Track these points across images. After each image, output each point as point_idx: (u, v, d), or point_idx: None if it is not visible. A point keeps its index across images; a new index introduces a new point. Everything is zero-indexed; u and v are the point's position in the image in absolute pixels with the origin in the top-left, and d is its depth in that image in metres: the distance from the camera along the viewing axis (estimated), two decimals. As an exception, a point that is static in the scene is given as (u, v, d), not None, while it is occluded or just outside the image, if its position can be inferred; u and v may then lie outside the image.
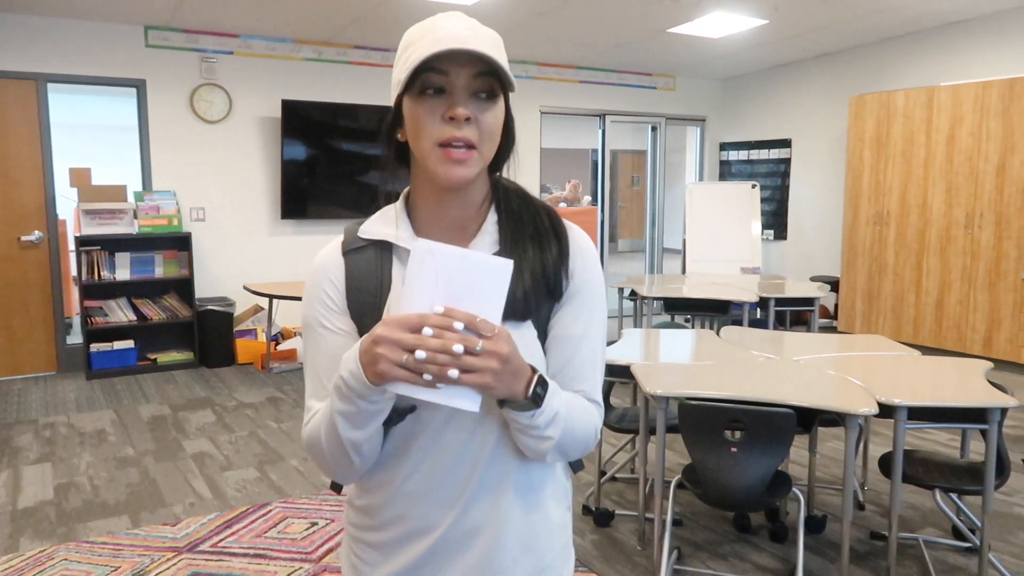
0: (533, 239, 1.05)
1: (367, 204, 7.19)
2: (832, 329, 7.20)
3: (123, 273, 5.88)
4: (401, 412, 0.98)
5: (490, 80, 0.97)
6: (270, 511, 3.35)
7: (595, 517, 3.23)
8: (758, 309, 5.03)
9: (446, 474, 1.01)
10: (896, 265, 6.50)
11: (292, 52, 6.55)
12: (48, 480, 3.74)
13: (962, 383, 2.67)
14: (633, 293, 5.37)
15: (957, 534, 3.07)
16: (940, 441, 4.32)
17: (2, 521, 3.27)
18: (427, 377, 0.84)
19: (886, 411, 2.46)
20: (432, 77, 0.96)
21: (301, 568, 2.84)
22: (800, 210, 7.95)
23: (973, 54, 6.24)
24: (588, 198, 9.88)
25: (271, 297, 5.64)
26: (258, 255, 6.60)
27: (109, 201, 5.80)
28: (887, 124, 6.49)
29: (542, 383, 0.94)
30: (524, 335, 1.01)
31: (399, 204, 1.09)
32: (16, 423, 4.67)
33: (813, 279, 7.30)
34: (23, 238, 5.79)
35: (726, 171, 8.76)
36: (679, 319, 6.24)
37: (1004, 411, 2.48)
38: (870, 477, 3.64)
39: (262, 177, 6.55)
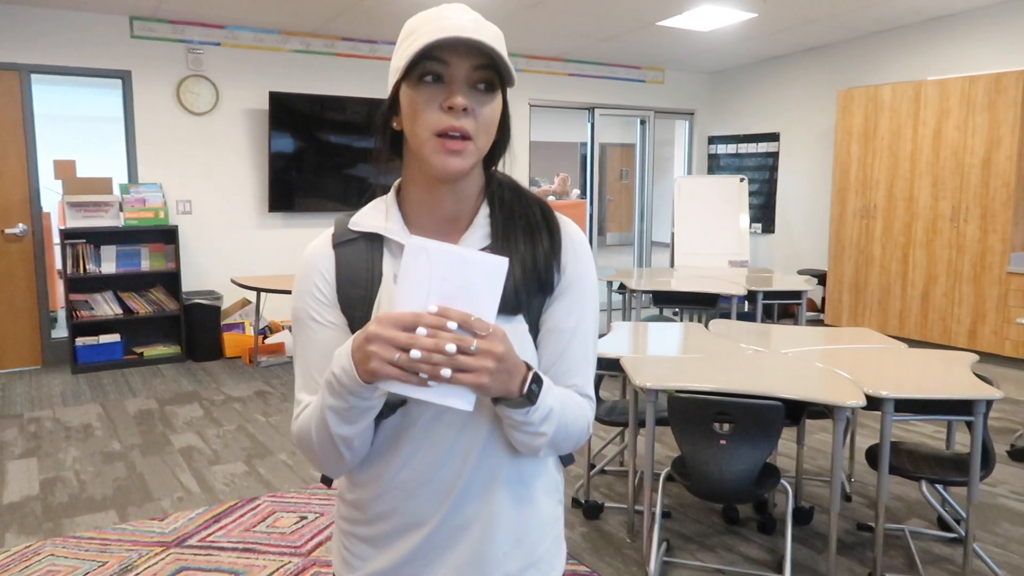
0: (525, 232, 1.04)
1: (355, 197, 7.21)
2: (819, 322, 7.24)
3: (109, 266, 5.84)
4: (391, 406, 0.98)
5: (490, 73, 0.97)
6: (259, 505, 3.34)
7: (585, 510, 3.23)
8: (746, 302, 5.05)
9: (436, 468, 1.01)
10: (883, 258, 6.54)
11: (279, 43, 6.50)
12: (34, 475, 3.71)
13: (948, 375, 2.69)
14: (622, 286, 5.38)
15: (942, 525, 3.10)
16: (926, 433, 4.36)
17: (-13, 516, 3.25)
18: (421, 376, 0.84)
19: (873, 403, 2.48)
20: (432, 65, 0.95)
21: (290, 562, 2.83)
22: (788, 204, 7.98)
23: (960, 49, 6.28)
24: (577, 191, 9.87)
25: (259, 290, 5.61)
26: (245, 248, 6.56)
27: (94, 194, 5.74)
28: (874, 118, 6.52)
29: (537, 380, 0.94)
30: (515, 329, 1.01)
31: (390, 196, 1.08)
32: (0, 418, 4.63)
33: (800, 272, 7.35)
34: (7, 231, 5.73)
35: (714, 165, 8.78)
36: (667, 312, 6.26)
37: (990, 403, 2.51)
38: (857, 469, 3.67)
39: (249, 170, 6.51)
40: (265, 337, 6.26)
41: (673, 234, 7.92)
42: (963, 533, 2.87)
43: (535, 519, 1.08)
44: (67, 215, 5.65)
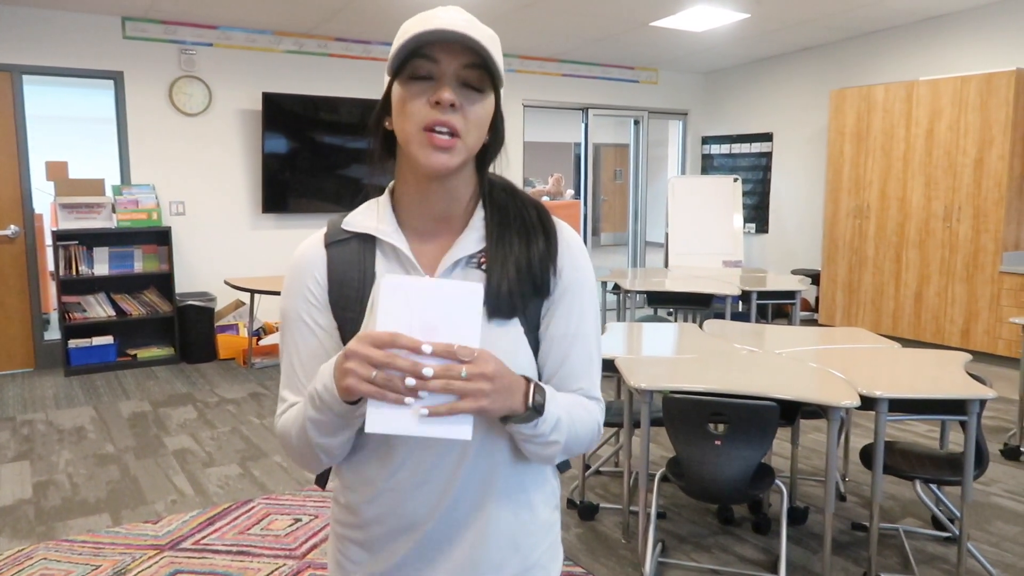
0: (520, 234, 1.04)
1: (349, 197, 7.20)
2: (813, 322, 7.26)
3: (101, 268, 5.81)
4: None
5: (480, 73, 0.97)
6: (253, 508, 3.33)
7: (580, 511, 3.23)
8: (740, 302, 5.06)
9: (430, 472, 1.00)
10: (876, 258, 6.56)
11: (272, 44, 6.49)
12: (26, 478, 3.69)
13: (942, 375, 2.70)
14: (616, 287, 5.38)
15: (937, 524, 3.11)
16: (919, 432, 4.37)
17: (-21, 520, 3.23)
18: (410, 402, 0.84)
19: (867, 403, 2.48)
20: (422, 63, 0.95)
21: (285, 565, 2.82)
22: (781, 204, 8.00)
23: (952, 49, 6.30)
24: (571, 192, 9.88)
25: (252, 292, 5.60)
26: (239, 249, 6.54)
27: (87, 195, 5.72)
28: (867, 118, 6.54)
29: (539, 391, 0.94)
30: (509, 333, 1.01)
31: (384, 197, 1.08)
32: (-7, 420, 4.61)
33: (794, 272, 7.36)
34: (-1, 233, 5.71)
35: (708, 165, 8.79)
36: (662, 312, 6.26)
37: (983, 403, 2.51)
38: (851, 468, 3.68)
39: (243, 171, 6.49)
40: (259, 338, 6.24)
41: (667, 234, 7.92)
42: (957, 532, 2.87)
43: (531, 524, 1.07)
44: (59, 217, 5.62)
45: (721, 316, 4.76)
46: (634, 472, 3.31)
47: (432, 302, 0.86)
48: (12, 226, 5.74)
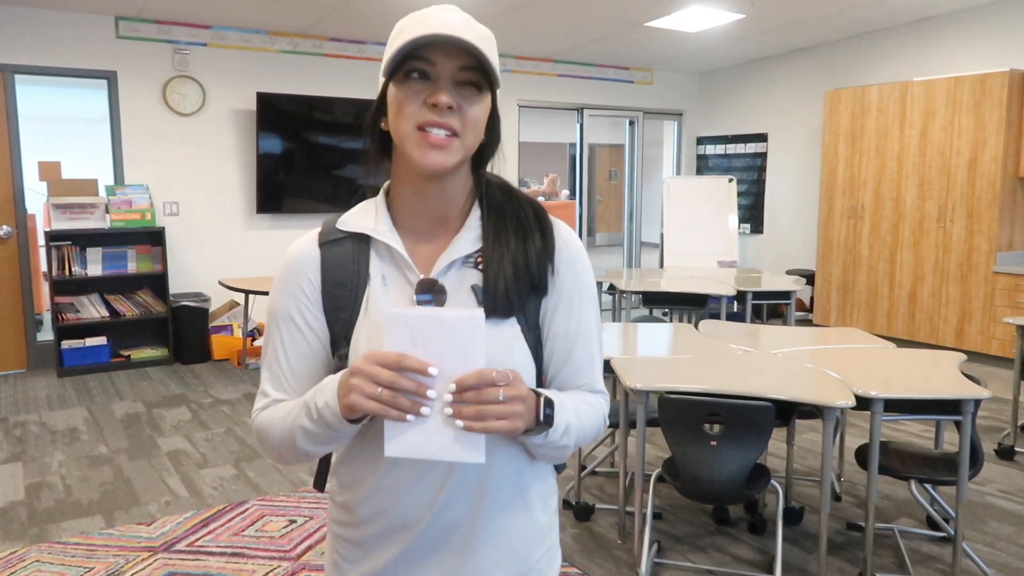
0: (516, 232, 1.04)
1: (343, 198, 7.17)
2: (808, 322, 7.27)
3: (95, 268, 5.79)
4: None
5: (476, 74, 0.96)
6: (247, 509, 3.31)
7: (575, 511, 3.23)
8: (735, 302, 5.06)
9: (424, 472, 1.00)
10: (870, 258, 6.57)
11: (267, 44, 6.47)
12: (19, 480, 3.67)
13: (936, 375, 2.70)
14: (611, 287, 5.38)
15: (932, 524, 3.11)
16: (914, 432, 4.38)
17: (-29, 522, 3.21)
18: (411, 418, 0.86)
19: (862, 403, 2.48)
20: (418, 63, 0.95)
21: (279, 566, 2.81)
22: (776, 204, 8.01)
23: (945, 50, 6.32)
24: (566, 192, 9.88)
25: (247, 292, 5.58)
26: (233, 250, 6.52)
27: (80, 195, 5.69)
28: (861, 118, 6.56)
29: (548, 403, 0.95)
30: (505, 332, 1.01)
31: (379, 197, 1.08)
32: (-15, 422, 4.59)
33: (789, 272, 7.37)
34: (-9, 233, 5.68)
35: (703, 165, 8.80)
36: (657, 313, 6.27)
37: (978, 403, 2.52)
38: (846, 468, 3.68)
39: (237, 171, 6.47)
40: (253, 339, 6.22)
41: (662, 234, 7.93)
42: (952, 532, 2.88)
43: (528, 527, 1.07)
44: (52, 217, 5.60)
45: (716, 316, 4.77)
46: (630, 473, 3.31)
47: (436, 332, 0.87)
48: (5, 226, 5.71)
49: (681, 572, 2.79)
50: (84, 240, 5.75)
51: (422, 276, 1.01)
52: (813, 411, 2.87)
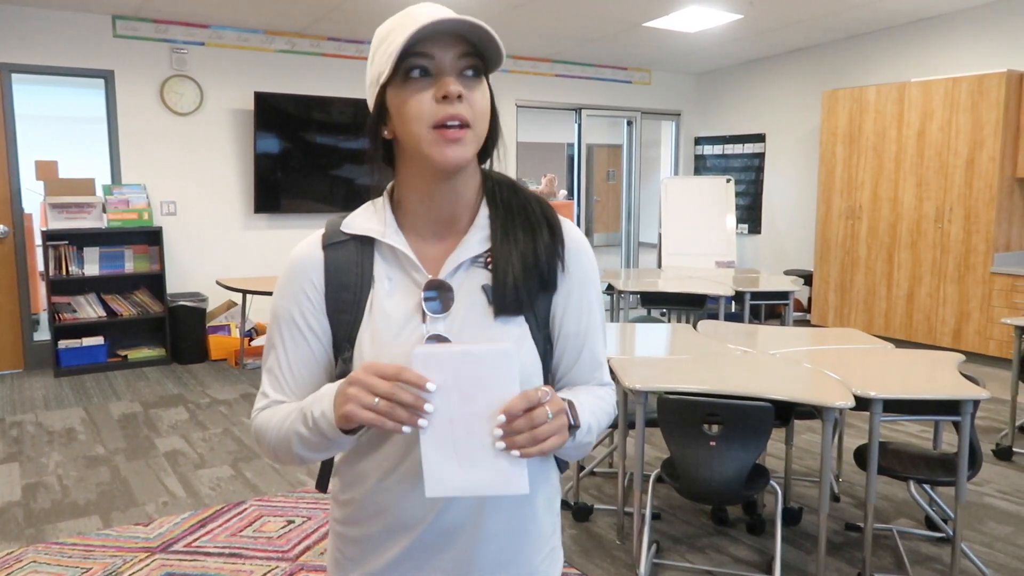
0: (524, 228, 1.03)
1: (341, 197, 7.16)
2: (806, 322, 7.28)
3: (92, 268, 5.77)
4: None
5: (476, 60, 0.96)
6: (245, 509, 3.31)
7: (574, 512, 3.23)
8: (733, 303, 5.06)
9: None
10: (868, 259, 6.58)
11: (264, 43, 6.46)
12: (15, 480, 3.66)
13: (935, 376, 2.70)
14: (609, 287, 5.38)
15: (930, 524, 3.12)
16: (912, 432, 4.39)
17: (-32, 523, 3.19)
18: (407, 430, 0.86)
19: (861, 404, 2.48)
20: (417, 60, 0.94)
21: (277, 567, 2.81)
22: (774, 204, 8.01)
23: (943, 50, 6.33)
24: (564, 192, 9.87)
25: (244, 292, 5.57)
26: (231, 250, 6.51)
27: (77, 195, 5.68)
28: (859, 119, 6.56)
29: (572, 407, 0.96)
30: (514, 331, 1.01)
31: (383, 199, 1.06)
32: (-18, 422, 4.57)
33: (787, 273, 7.38)
34: (-12, 233, 5.66)
35: (701, 165, 8.81)
36: (655, 313, 6.26)
37: (977, 403, 2.52)
38: (845, 469, 3.68)
39: (234, 170, 6.46)
40: (251, 339, 6.21)
41: (660, 235, 7.93)
42: (951, 532, 2.88)
43: (532, 529, 1.07)
44: (49, 216, 5.58)
45: (714, 317, 4.77)
46: (628, 473, 3.31)
47: (466, 369, 0.87)
48: (1, 226, 5.69)
49: (680, 572, 2.78)
50: (81, 240, 5.73)
51: (430, 277, 1.01)
52: (812, 411, 2.87)
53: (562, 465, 1.13)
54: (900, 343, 6.06)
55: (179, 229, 6.27)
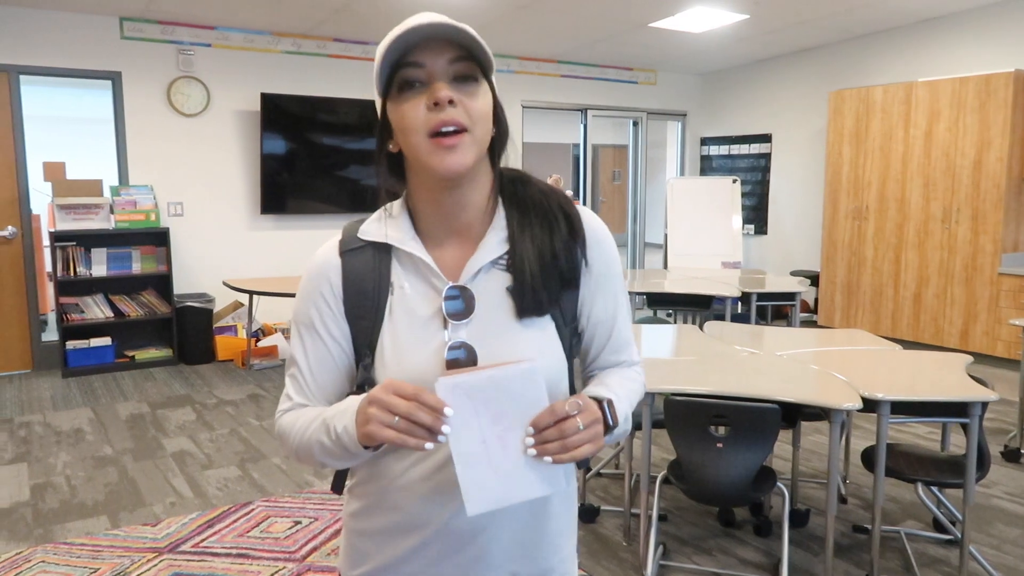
0: (541, 224, 1.03)
1: (347, 199, 7.17)
2: (812, 323, 7.26)
3: (99, 269, 5.79)
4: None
5: (469, 64, 0.96)
6: (252, 510, 3.31)
7: (580, 513, 3.22)
8: (739, 304, 5.06)
9: (441, 471, 0.99)
10: (875, 259, 6.56)
11: (271, 45, 6.48)
12: (24, 480, 3.67)
13: (943, 377, 2.69)
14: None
15: (938, 527, 3.10)
16: (919, 434, 4.37)
17: (-23, 523, 3.21)
18: (429, 446, 0.87)
19: (869, 405, 2.47)
20: (409, 72, 0.95)
21: (285, 568, 2.81)
22: (780, 205, 8.00)
23: (950, 50, 6.30)
24: (570, 193, 9.88)
25: (251, 293, 5.58)
26: (238, 250, 6.52)
27: (84, 196, 5.70)
28: (866, 119, 6.54)
29: (611, 404, 0.97)
30: (537, 333, 1.01)
31: (400, 206, 1.06)
32: (-10, 422, 4.59)
33: (793, 274, 7.36)
34: (-4, 234, 5.69)
35: (707, 166, 8.79)
36: (661, 314, 6.26)
37: (985, 405, 2.51)
38: (852, 471, 3.67)
39: (241, 172, 6.47)
40: (258, 340, 6.22)
41: (666, 235, 7.92)
42: (959, 535, 2.87)
43: (548, 532, 1.07)
44: (57, 217, 5.61)
45: (721, 318, 4.76)
46: (635, 474, 3.30)
47: (493, 392, 0.87)
48: (9, 227, 5.72)
49: (686, 574, 2.78)
50: (89, 240, 5.75)
51: (450, 283, 1.01)
52: (819, 413, 2.86)
53: (583, 462, 1.13)
54: (907, 344, 6.05)
55: (186, 230, 6.29)
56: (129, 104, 5.99)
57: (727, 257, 7.60)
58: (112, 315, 5.86)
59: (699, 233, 7.74)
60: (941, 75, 6.26)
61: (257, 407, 4.87)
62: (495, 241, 1.02)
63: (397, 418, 0.86)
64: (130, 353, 5.97)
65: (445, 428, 0.86)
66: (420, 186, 1.02)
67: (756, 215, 8.22)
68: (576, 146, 8.94)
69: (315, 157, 6.60)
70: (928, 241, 6.16)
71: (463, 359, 0.98)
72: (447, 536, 1.01)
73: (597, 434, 0.90)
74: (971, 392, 2.50)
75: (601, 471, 3.71)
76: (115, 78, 5.93)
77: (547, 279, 1.01)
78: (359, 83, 6.78)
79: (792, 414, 2.82)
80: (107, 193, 5.85)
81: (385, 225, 1.05)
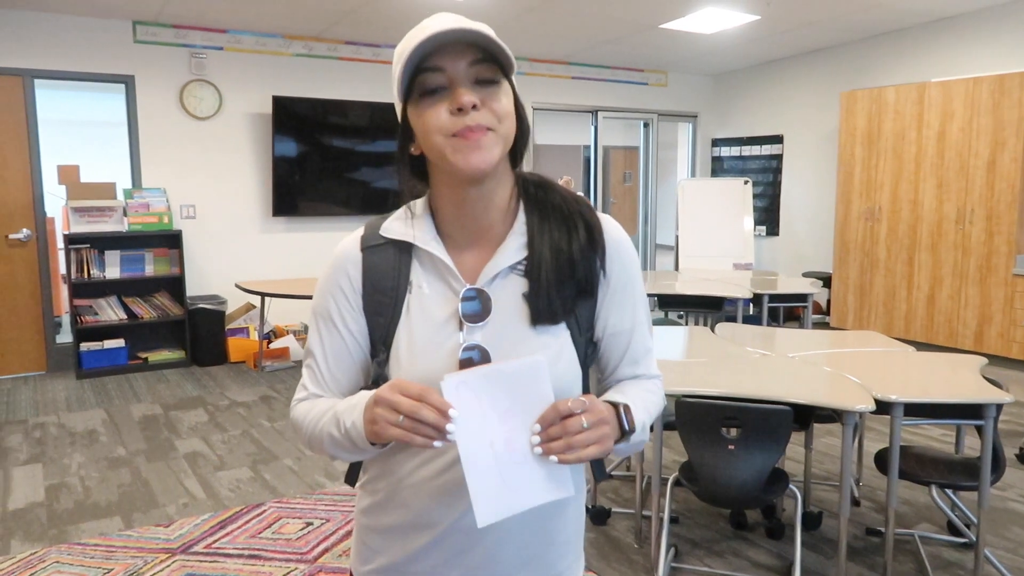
0: (560, 231, 1.03)
1: (359, 201, 7.19)
2: (825, 325, 7.22)
3: (113, 271, 5.83)
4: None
5: (490, 66, 0.95)
6: (264, 511, 3.33)
7: (592, 515, 3.22)
8: (751, 305, 5.03)
9: (450, 470, 1.00)
10: (888, 261, 6.52)
11: (282, 48, 6.51)
12: (39, 481, 3.70)
13: (957, 379, 2.67)
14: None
15: (953, 530, 3.08)
16: (933, 436, 4.34)
17: (-8, 523, 3.24)
18: (437, 443, 0.87)
19: (882, 407, 2.46)
20: (429, 76, 0.94)
21: (296, 569, 2.82)
22: (792, 206, 7.96)
23: (963, 50, 6.26)
24: (580, 194, 9.89)
25: (263, 295, 5.60)
26: (250, 253, 6.56)
27: (98, 199, 5.74)
28: (878, 120, 6.51)
29: (627, 410, 0.97)
30: (551, 341, 1.01)
31: (422, 206, 1.06)
32: (5, 423, 4.63)
33: (805, 275, 7.33)
34: (11, 236, 5.73)
35: (718, 167, 8.77)
36: (673, 315, 6.25)
37: (1000, 407, 2.49)
38: (865, 473, 3.65)
39: (253, 174, 6.51)
40: (270, 341, 6.25)
41: (677, 237, 7.90)
42: (974, 538, 2.85)
43: (556, 533, 1.07)
44: (71, 220, 5.65)
45: (732, 319, 4.74)
46: (647, 476, 3.30)
47: (499, 388, 0.87)
48: (24, 230, 5.77)
49: (698, 577, 2.77)
50: (102, 243, 5.80)
51: (468, 285, 1.01)
52: (831, 415, 2.85)
53: (599, 472, 1.14)
54: (921, 346, 6.00)
55: (198, 232, 6.33)
56: (142, 107, 6.04)
57: (739, 258, 7.57)
58: (125, 317, 5.90)
59: (710, 235, 7.72)
60: (954, 75, 6.22)
61: (269, 409, 4.89)
62: (515, 246, 1.02)
63: (402, 417, 0.86)
64: (143, 355, 6.01)
65: (450, 427, 0.86)
66: (443, 186, 1.02)
67: (768, 216, 8.19)
68: (587, 148, 8.94)
69: (326, 159, 6.63)
70: (942, 242, 6.11)
71: (476, 360, 0.98)
72: (455, 536, 1.01)
73: (604, 435, 0.89)
74: (985, 394, 2.48)
75: (612, 473, 3.70)
76: (128, 82, 5.98)
77: (562, 287, 1.01)
78: (370, 85, 6.80)
79: (804, 416, 2.80)
80: (120, 196, 5.89)
81: (407, 224, 1.05)
